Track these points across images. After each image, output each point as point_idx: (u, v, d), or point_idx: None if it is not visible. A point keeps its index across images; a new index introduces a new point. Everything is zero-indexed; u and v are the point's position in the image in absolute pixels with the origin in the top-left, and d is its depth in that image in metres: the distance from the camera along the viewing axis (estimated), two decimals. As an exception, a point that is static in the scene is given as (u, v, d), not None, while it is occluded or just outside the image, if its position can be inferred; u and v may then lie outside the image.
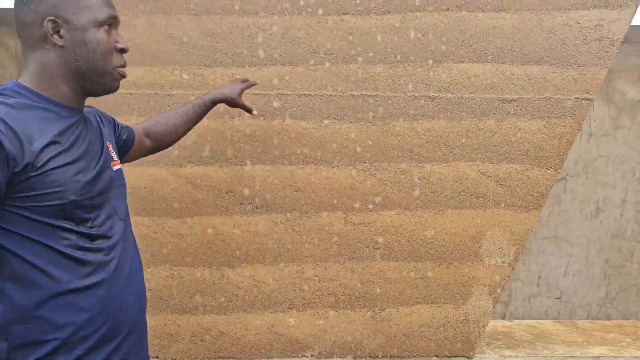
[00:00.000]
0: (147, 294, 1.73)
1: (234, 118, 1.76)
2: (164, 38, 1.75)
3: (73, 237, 1.04)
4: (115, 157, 1.23)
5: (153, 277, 1.76)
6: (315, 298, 1.81)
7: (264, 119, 1.76)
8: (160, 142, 1.53)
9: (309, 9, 1.75)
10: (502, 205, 1.80)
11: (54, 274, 1.01)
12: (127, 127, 1.42)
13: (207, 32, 1.75)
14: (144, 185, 1.75)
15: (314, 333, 1.83)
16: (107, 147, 1.20)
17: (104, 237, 1.10)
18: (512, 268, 1.83)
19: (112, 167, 1.18)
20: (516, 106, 1.77)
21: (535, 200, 1.80)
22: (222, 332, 1.81)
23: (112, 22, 1.10)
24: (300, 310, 1.81)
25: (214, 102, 1.56)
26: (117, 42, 1.11)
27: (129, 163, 1.74)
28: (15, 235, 0.99)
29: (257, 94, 1.76)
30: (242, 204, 1.77)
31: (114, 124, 1.36)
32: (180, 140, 1.74)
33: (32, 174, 0.97)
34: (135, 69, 1.74)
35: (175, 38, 1.75)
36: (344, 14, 1.76)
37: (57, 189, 1.00)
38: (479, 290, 1.83)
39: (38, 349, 1.01)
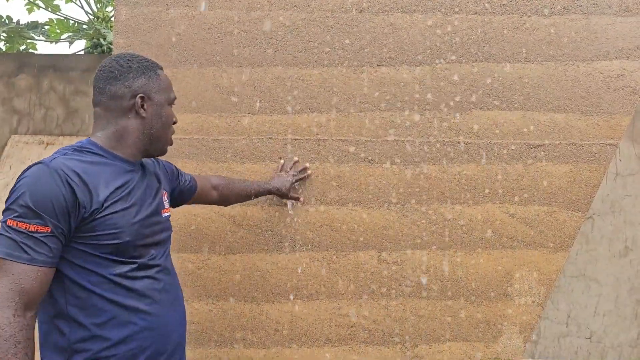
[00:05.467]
0: (191, 327, 1.83)
1: (274, 162, 1.88)
2: (211, 87, 1.90)
3: (125, 269, 1.21)
4: (167, 205, 1.41)
5: (197, 311, 1.86)
6: (351, 334, 1.88)
7: (303, 162, 1.88)
8: (225, 202, 1.76)
9: (346, 61, 1.88)
10: (531, 246, 1.86)
11: (111, 298, 1.18)
12: (192, 179, 1.62)
13: (251, 82, 1.90)
14: (190, 224, 1.87)
15: (349, 368, 1.89)
16: (162, 196, 1.39)
17: (151, 268, 1.27)
18: (542, 308, 1.88)
19: (162, 214, 1.36)
20: (543, 151, 1.86)
21: (563, 242, 1.86)
22: (260, 366, 1.89)
23: (174, 104, 1.38)
24: (336, 345, 1.88)
25: (270, 193, 1.81)
26: (174, 116, 1.39)
27: (178, 203, 1.86)
28: (77, 267, 1.17)
29: (296, 139, 1.89)
30: (281, 242, 1.88)
31: (176, 174, 1.55)
32: (225, 182, 1.87)
33: (96, 216, 1.16)
34: (185, 115, 1.88)
35: (222, 87, 1.89)
36: (378, 65, 1.89)
37: (115, 231, 1.19)
38: (510, 329, 1.88)
39: None
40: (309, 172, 1.86)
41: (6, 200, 1.14)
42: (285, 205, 1.87)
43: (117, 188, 1.21)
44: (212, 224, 1.87)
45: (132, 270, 1.22)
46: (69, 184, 1.13)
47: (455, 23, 1.89)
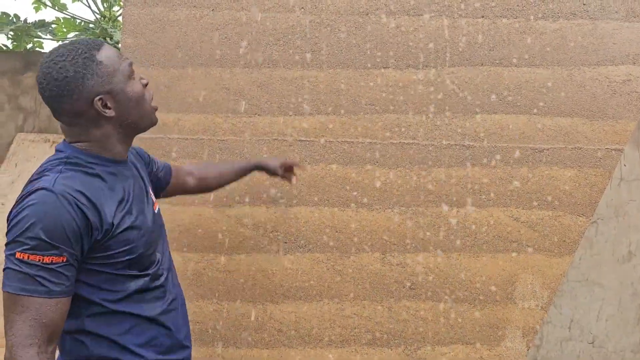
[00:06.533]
0: (195, 327, 1.84)
1: (280, 162, 1.89)
2: (218, 88, 1.91)
3: (139, 282, 1.19)
4: (154, 199, 1.35)
5: (201, 310, 1.87)
6: (354, 335, 1.88)
7: (309, 164, 1.89)
8: (206, 185, 1.67)
9: (353, 63, 1.89)
10: (535, 250, 1.86)
11: (128, 311, 1.17)
12: (164, 165, 1.54)
13: (257, 83, 1.90)
14: (195, 224, 1.88)
15: (351, 370, 1.89)
16: (149, 191, 1.33)
17: (159, 276, 1.25)
18: (545, 312, 1.89)
19: (154, 211, 1.30)
20: (548, 155, 1.86)
21: (567, 246, 1.86)
22: (263, 366, 1.89)
23: (132, 69, 1.18)
24: (339, 346, 1.88)
25: (257, 167, 1.73)
26: (141, 79, 1.20)
27: (182, 203, 1.88)
28: (91, 287, 1.14)
29: (302, 140, 1.89)
30: (286, 242, 1.88)
31: (149, 161, 1.47)
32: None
33: (109, 235, 1.12)
34: (191, 116, 1.89)
35: (228, 88, 1.90)
36: (384, 67, 1.89)
37: (129, 246, 1.15)
38: (513, 333, 1.88)
39: None
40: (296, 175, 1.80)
41: (8, 231, 1.05)
42: (290, 206, 1.88)
43: (120, 202, 1.16)
44: (216, 224, 1.88)
45: (146, 282, 1.20)
46: (79, 207, 1.06)
47: (461, 27, 1.89)
